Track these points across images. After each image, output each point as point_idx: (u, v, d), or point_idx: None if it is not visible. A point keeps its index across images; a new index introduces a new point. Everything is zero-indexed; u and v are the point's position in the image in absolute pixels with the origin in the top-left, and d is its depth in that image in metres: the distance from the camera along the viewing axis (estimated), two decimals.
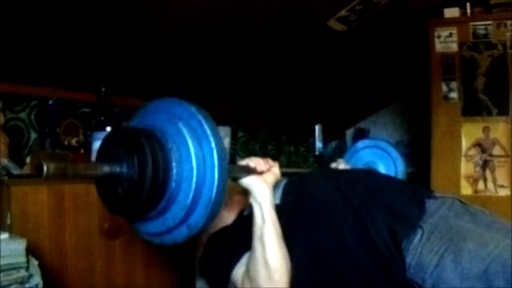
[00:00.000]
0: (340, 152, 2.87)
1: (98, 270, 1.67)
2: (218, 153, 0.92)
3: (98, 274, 1.68)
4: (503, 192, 2.41)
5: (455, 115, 2.50)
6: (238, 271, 1.22)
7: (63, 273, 1.57)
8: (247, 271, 1.18)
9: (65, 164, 0.86)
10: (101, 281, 1.68)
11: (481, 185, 2.45)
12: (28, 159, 1.79)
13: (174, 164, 0.93)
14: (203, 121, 0.95)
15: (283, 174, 1.35)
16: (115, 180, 0.94)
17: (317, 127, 3.20)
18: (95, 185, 1.04)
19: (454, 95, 2.51)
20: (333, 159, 2.01)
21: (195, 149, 0.93)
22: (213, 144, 0.93)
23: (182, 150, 0.93)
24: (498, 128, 2.43)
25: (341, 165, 1.76)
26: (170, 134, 0.95)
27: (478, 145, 2.46)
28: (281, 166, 1.27)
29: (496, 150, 2.43)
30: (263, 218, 1.17)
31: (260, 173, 1.22)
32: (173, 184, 0.92)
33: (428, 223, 1.13)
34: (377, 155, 1.99)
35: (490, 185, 2.44)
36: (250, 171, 1.21)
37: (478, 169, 2.46)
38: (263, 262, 1.14)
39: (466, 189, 2.46)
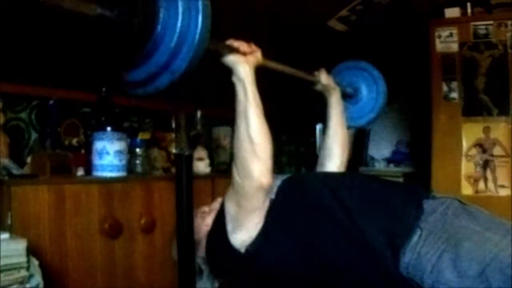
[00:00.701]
0: None
1: (98, 270, 1.68)
2: (203, 2, 1.00)
3: (99, 274, 1.68)
4: (504, 192, 2.41)
5: (455, 115, 2.50)
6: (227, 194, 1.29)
7: (64, 273, 1.57)
8: (234, 156, 1.23)
9: None
10: (101, 281, 1.68)
11: (481, 185, 2.45)
12: (28, 159, 1.79)
13: (161, 9, 0.98)
14: None
15: None
16: (106, 23, 0.99)
17: (317, 127, 3.19)
18: (86, 28, 1.09)
19: (454, 95, 2.51)
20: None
21: None
22: None
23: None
24: (499, 128, 2.43)
25: (323, 73, 1.77)
26: None
27: (479, 145, 2.46)
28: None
29: (497, 150, 2.43)
30: (246, 94, 1.23)
31: (243, 54, 1.27)
32: (159, 27, 0.98)
33: (427, 223, 1.13)
34: (360, 75, 2.00)
35: (490, 185, 2.44)
36: (233, 50, 1.26)
37: (478, 169, 2.46)
38: (247, 137, 1.20)
39: (466, 189, 2.46)
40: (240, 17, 2.13)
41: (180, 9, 0.98)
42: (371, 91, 1.98)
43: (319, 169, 1.68)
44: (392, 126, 3.89)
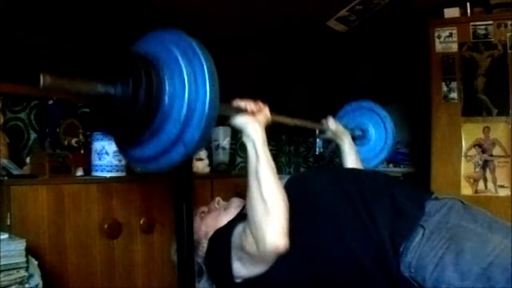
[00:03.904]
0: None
1: (98, 270, 1.68)
2: (208, 68, 0.95)
3: (98, 274, 1.68)
4: (503, 193, 2.41)
5: (455, 115, 2.50)
6: (238, 230, 1.24)
7: (63, 273, 1.57)
8: (247, 217, 1.19)
9: (61, 78, 0.88)
10: (101, 281, 1.68)
11: (481, 185, 2.44)
12: (28, 160, 1.79)
13: (166, 81, 0.95)
14: (192, 42, 0.98)
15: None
16: (110, 100, 0.95)
17: (317, 133, 3.20)
18: (89, 105, 1.07)
19: (454, 95, 2.51)
20: (333, 160, 1.99)
21: (186, 66, 0.95)
22: (203, 61, 0.96)
23: (173, 68, 0.96)
24: (498, 128, 2.43)
25: (330, 120, 1.76)
26: (161, 55, 0.98)
27: (478, 145, 2.46)
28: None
29: (496, 151, 2.43)
30: (257, 154, 1.20)
31: (251, 113, 1.25)
32: (166, 100, 0.95)
33: (430, 223, 1.13)
34: (366, 116, 2.01)
35: (490, 185, 2.43)
36: (241, 110, 1.24)
37: (478, 169, 2.46)
38: (260, 197, 1.15)
39: (466, 190, 2.45)
40: (240, 17, 2.13)
41: (186, 78, 0.94)
42: (379, 130, 1.98)
43: None
44: None
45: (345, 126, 1.84)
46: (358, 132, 1.95)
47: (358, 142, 1.93)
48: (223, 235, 1.30)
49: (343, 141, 1.77)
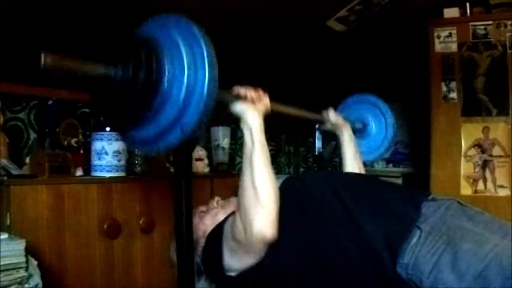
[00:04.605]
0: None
1: (97, 270, 1.68)
2: (208, 53, 0.97)
3: (98, 274, 1.68)
4: (503, 193, 2.40)
5: (454, 115, 2.50)
6: (229, 220, 1.26)
7: (63, 273, 1.57)
8: (238, 200, 1.20)
9: (62, 58, 0.88)
10: (100, 281, 1.68)
11: (480, 185, 2.44)
12: (27, 160, 1.79)
13: (166, 64, 0.97)
14: (193, 27, 1.00)
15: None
16: (110, 82, 0.97)
17: (316, 127, 3.19)
18: (89, 87, 1.09)
19: (453, 95, 2.51)
20: (332, 160, 1.98)
21: (186, 50, 0.97)
22: (203, 45, 0.97)
23: (173, 51, 0.98)
24: (498, 129, 2.43)
25: (331, 112, 1.76)
26: (162, 39, 1.00)
27: (478, 145, 2.46)
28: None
29: (496, 151, 2.43)
30: (252, 141, 1.22)
31: (251, 101, 1.26)
32: (166, 83, 0.97)
33: (426, 224, 1.13)
34: (367, 109, 2.01)
35: (490, 185, 2.43)
36: (240, 97, 1.25)
37: (477, 169, 2.46)
38: (251, 184, 1.17)
39: (465, 190, 2.45)
40: (239, 17, 2.13)
41: (185, 62, 0.96)
42: (380, 124, 1.98)
43: None
44: None
45: (346, 119, 1.83)
46: (358, 125, 1.94)
47: (358, 135, 1.92)
48: (216, 227, 1.31)
49: (342, 134, 1.76)
